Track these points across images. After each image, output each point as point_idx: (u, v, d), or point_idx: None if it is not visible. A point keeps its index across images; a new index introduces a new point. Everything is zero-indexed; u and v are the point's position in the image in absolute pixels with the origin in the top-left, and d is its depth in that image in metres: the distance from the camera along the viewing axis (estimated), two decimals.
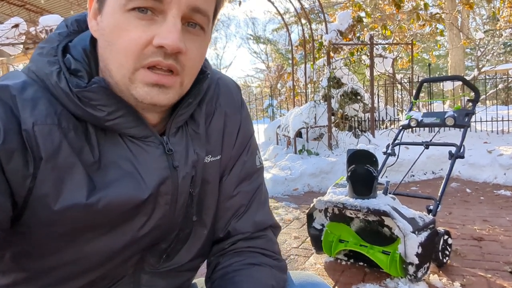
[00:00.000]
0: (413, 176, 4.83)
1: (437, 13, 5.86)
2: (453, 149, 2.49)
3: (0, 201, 0.53)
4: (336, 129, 5.78)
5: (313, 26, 6.37)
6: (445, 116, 2.61)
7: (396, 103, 7.36)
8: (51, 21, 4.51)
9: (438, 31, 6.09)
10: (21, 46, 4.78)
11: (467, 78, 7.54)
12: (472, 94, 2.77)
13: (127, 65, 0.57)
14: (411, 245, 1.91)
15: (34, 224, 0.59)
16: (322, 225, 2.41)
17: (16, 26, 4.54)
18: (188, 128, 0.72)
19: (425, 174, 4.91)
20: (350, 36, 5.38)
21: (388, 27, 6.15)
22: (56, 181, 0.58)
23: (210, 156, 0.75)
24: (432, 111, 6.38)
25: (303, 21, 6.25)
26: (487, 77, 8.37)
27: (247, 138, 0.81)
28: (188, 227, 0.74)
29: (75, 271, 0.64)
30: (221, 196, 0.78)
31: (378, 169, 2.39)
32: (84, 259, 0.64)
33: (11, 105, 0.56)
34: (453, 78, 3.07)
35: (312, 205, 2.35)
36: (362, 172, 2.17)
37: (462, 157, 2.45)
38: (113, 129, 0.62)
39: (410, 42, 6.01)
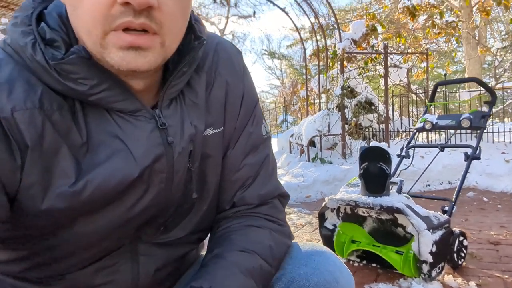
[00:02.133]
0: (429, 185, 4.75)
1: (453, 21, 5.82)
2: (469, 151, 2.45)
3: None
4: (350, 137, 5.75)
5: (327, 32, 6.41)
6: (461, 118, 2.58)
7: (411, 114, 7.29)
8: None
9: (453, 38, 6.03)
10: None
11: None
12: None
13: (95, 30, 0.51)
14: (425, 242, 1.87)
15: (24, 213, 0.57)
16: (334, 225, 2.39)
17: None
18: (185, 98, 0.67)
19: (441, 184, 4.82)
20: (364, 45, 5.40)
21: (402, 36, 6.14)
22: (43, 169, 0.55)
23: (212, 128, 0.70)
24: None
25: (319, 37, 6.28)
26: (506, 93, 8.23)
27: (251, 107, 0.76)
28: (188, 203, 0.71)
29: (71, 250, 0.63)
30: (226, 170, 0.75)
31: (392, 168, 2.37)
32: (77, 240, 0.62)
33: None
34: (468, 80, 3.05)
35: (323, 204, 2.34)
36: (375, 170, 2.15)
37: (478, 158, 2.41)
38: (99, 104, 0.57)
39: (426, 51, 5.98)
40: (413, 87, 6.99)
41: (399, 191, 2.19)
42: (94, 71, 0.55)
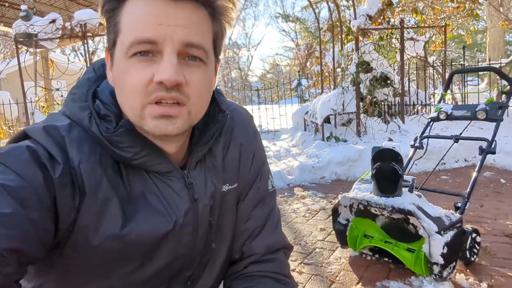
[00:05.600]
0: (444, 164, 4.72)
1: None
2: (484, 144, 2.42)
3: (48, 225, 0.60)
4: (365, 115, 5.69)
5: (342, 6, 6.21)
6: (476, 109, 2.53)
7: (429, 83, 7.10)
8: (85, 15, 4.67)
9: (473, 13, 5.77)
10: (57, 40, 4.97)
11: (507, 59, 7.17)
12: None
13: (135, 104, 0.63)
14: (436, 245, 1.90)
15: (75, 252, 0.65)
16: (347, 220, 2.43)
17: (53, 21, 4.74)
18: (206, 161, 0.78)
19: (456, 162, 4.78)
20: (379, 20, 5.22)
21: (419, 10, 5.89)
22: (96, 214, 0.64)
23: (228, 184, 0.80)
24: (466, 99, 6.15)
25: (331, 5, 6.10)
26: None
27: (260, 165, 0.87)
28: (208, 253, 0.80)
29: None
30: (237, 220, 0.84)
31: (404, 165, 2.37)
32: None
33: (61, 144, 0.63)
34: (486, 69, 2.95)
35: (337, 201, 2.37)
36: (387, 170, 2.16)
37: (494, 152, 2.39)
38: (139, 167, 0.68)
39: (444, 24, 5.76)
40: (430, 59, 6.78)
41: (411, 189, 2.20)
42: (136, 140, 0.66)
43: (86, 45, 4.77)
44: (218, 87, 0.80)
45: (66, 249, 0.64)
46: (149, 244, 0.69)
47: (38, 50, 5.49)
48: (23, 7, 4.82)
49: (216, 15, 0.67)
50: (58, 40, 4.98)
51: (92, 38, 4.85)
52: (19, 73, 4.94)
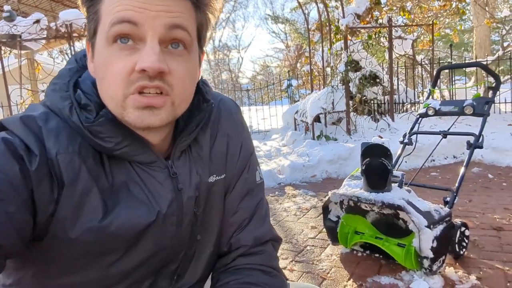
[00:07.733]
0: (434, 160, 4.76)
1: None
2: (472, 139, 2.44)
3: (26, 218, 0.58)
4: (355, 113, 5.71)
5: (330, 7, 6.25)
6: (464, 105, 2.55)
7: (418, 83, 7.17)
8: (71, 15, 4.61)
9: (459, 11, 5.84)
10: (43, 40, 4.89)
11: (492, 57, 7.27)
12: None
13: (117, 94, 0.60)
14: (425, 239, 1.91)
15: (54, 245, 0.63)
16: (338, 217, 2.43)
17: (37, 21, 4.67)
18: (192, 151, 0.76)
19: (445, 159, 4.83)
20: (368, 19, 5.26)
21: (407, 8, 5.95)
22: (75, 206, 0.62)
23: (215, 175, 0.79)
24: (454, 95, 6.21)
25: (320, 5, 6.12)
26: None
27: (247, 156, 0.86)
28: (193, 245, 0.78)
29: None
30: (224, 213, 0.83)
31: (393, 161, 2.38)
32: (98, 281, 0.69)
33: (38, 135, 0.61)
34: (472, 65, 2.99)
35: (327, 197, 2.37)
36: (377, 166, 2.16)
37: (481, 147, 2.41)
38: (122, 157, 0.67)
39: (431, 23, 5.82)
40: (418, 57, 6.85)
41: (401, 184, 2.21)
42: (118, 130, 0.64)
43: (72, 46, 4.70)
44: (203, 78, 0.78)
45: (45, 242, 0.63)
46: (132, 235, 0.67)
47: (23, 51, 5.41)
48: (6, 7, 4.74)
49: (200, 6, 0.65)
50: (43, 41, 4.90)
51: (78, 39, 4.79)
52: (3, 75, 4.85)
